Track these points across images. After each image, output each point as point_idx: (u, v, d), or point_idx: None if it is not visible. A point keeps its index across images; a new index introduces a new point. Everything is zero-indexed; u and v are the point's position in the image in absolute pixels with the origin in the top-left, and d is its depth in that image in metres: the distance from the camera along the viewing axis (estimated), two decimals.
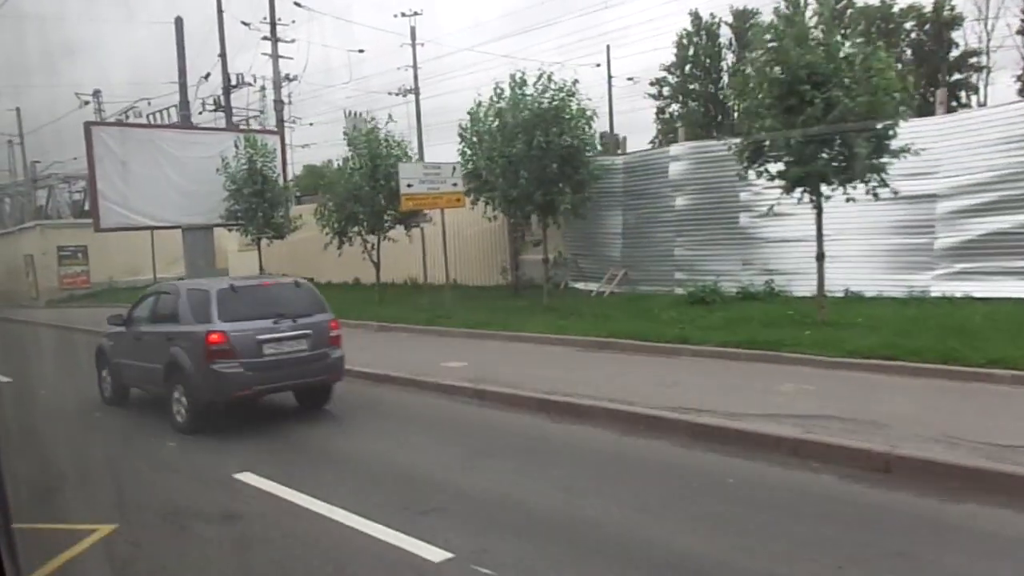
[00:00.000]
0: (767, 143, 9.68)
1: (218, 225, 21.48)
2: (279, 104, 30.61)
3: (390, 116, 16.99)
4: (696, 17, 46.97)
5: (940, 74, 41.89)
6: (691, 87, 49.40)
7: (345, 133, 16.73)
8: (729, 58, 47.41)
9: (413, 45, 41.40)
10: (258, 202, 20.12)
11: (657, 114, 50.28)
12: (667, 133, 45.95)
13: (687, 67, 48.80)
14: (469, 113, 14.95)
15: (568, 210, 13.62)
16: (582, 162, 13.85)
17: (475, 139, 14.81)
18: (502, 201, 13.72)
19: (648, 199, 15.80)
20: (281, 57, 30.44)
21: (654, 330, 10.84)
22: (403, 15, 40.17)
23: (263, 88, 33.12)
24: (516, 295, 16.47)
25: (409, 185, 14.07)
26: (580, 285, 17.67)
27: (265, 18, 29.07)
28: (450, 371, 9.62)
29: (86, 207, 46.68)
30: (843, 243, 12.40)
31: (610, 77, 47.12)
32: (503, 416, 7.83)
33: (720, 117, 47.06)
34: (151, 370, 7.95)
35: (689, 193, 15.35)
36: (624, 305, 13.83)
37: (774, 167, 9.89)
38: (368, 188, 15.95)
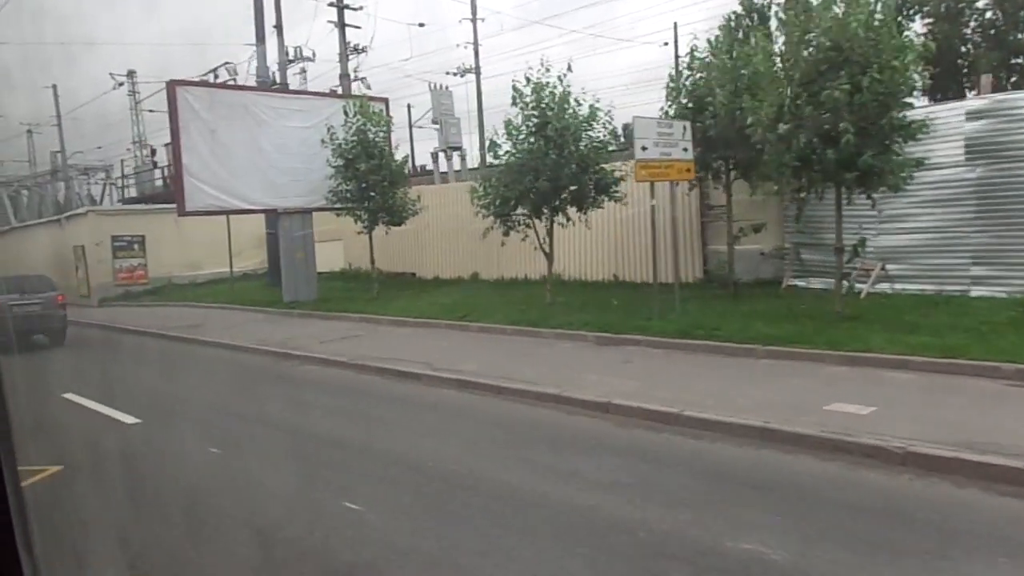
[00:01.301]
0: None
1: (322, 209, 17.94)
2: (345, 79, 26.99)
3: (569, 66, 13.26)
4: None
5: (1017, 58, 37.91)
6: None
7: (515, 90, 13.07)
8: (780, 40, 44.29)
9: (474, 20, 37.80)
10: (376, 180, 16.56)
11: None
12: None
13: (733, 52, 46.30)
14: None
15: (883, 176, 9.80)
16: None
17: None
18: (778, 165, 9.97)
19: (929, 169, 12.02)
20: (347, 26, 26.76)
21: None
22: None
23: (304, 58, 29.40)
24: (746, 296, 12.78)
25: (644, 148, 10.43)
26: (800, 283, 14.01)
27: None
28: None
29: (123, 193, 44.14)
30: None
31: (677, 57, 44.64)
32: None
33: None
34: None
35: (994, 159, 11.66)
36: (938, 313, 10.18)
37: None
38: (555, 156, 12.30)
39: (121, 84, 41.38)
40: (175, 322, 17.01)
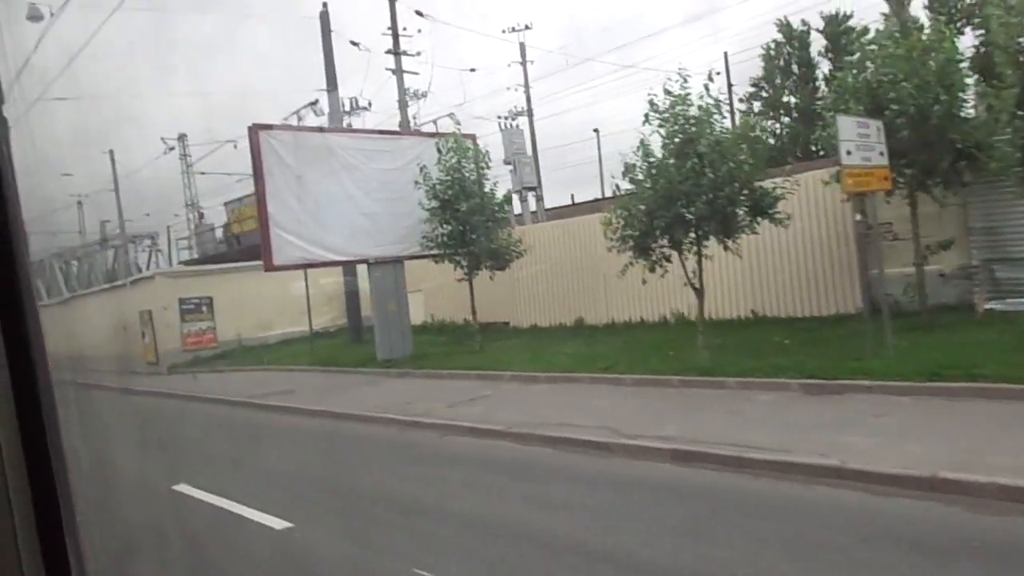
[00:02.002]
0: None
1: (416, 256, 16.41)
2: (405, 126, 25.77)
3: (711, 75, 11.63)
4: (785, 25, 43.23)
5: None
6: (786, 100, 45.51)
7: (651, 105, 11.44)
8: (824, 66, 43.11)
9: (524, 63, 36.74)
10: (479, 220, 14.97)
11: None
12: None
13: (778, 79, 45.09)
14: None
15: None
16: None
17: None
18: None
19: None
20: (406, 72, 25.72)
21: None
22: (513, 30, 35.33)
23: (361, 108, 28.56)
24: (944, 325, 10.76)
25: (849, 152, 8.63)
26: (997, 305, 11.94)
27: (387, 29, 24.33)
28: None
29: (170, 259, 43.60)
30: None
31: (730, 87, 43.83)
32: None
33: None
34: None
35: None
36: None
37: None
38: (712, 176, 10.55)
39: (172, 148, 40.98)
40: (262, 388, 15.45)
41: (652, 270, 11.86)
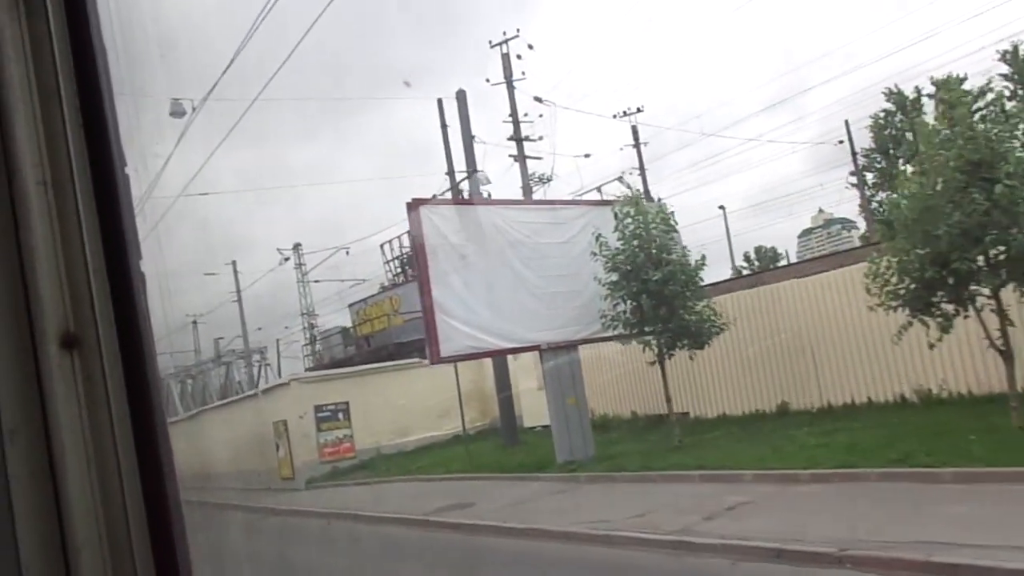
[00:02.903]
0: None
1: (595, 339, 14.33)
2: None
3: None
4: (894, 93, 40.96)
5: None
6: (902, 168, 43.08)
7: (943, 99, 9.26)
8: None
9: (637, 145, 35.49)
10: (674, 291, 12.84)
11: (862, 206, 42.61)
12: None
13: (890, 150, 42.57)
14: None
15: None
16: None
17: None
18: None
19: None
20: (529, 158, 24.63)
21: None
22: (624, 114, 34.28)
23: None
24: None
25: None
26: None
27: (508, 117, 23.44)
28: None
29: (279, 371, 43.10)
30: None
31: (855, 155, 42.14)
32: None
33: None
34: None
35: None
36: None
37: None
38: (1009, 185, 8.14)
39: (287, 259, 41.08)
40: (429, 502, 13.38)
41: (946, 331, 9.26)
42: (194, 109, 14.82)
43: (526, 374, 20.02)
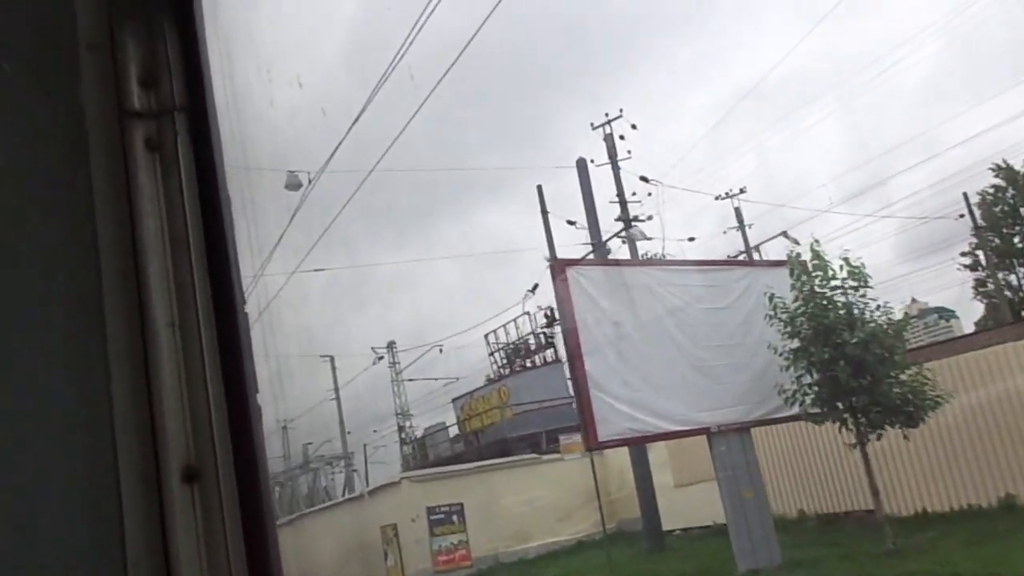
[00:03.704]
0: None
1: (772, 420, 12.13)
2: None
3: None
4: (1003, 168, 38.67)
5: None
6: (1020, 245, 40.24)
7: None
8: None
9: (742, 227, 33.49)
10: (877, 356, 10.68)
11: (977, 288, 39.47)
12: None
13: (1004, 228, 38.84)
14: None
15: None
16: None
17: None
18: None
19: None
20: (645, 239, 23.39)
21: None
22: (726, 195, 32.73)
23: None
24: None
25: None
26: None
27: (615, 197, 22.45)
28: None
29: (367, 479, 41.35)
30: None
31: (976, 228, 40.04)
32: None
33: None
34: None
35: None
36: None
37: None
38: None
39: (381, 358, 40.10)
40: None
41: None
42: (310, 181, 14.02)
43: (659, 468, 17.70)
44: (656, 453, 18.07)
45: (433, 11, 11.55)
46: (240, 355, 0.86)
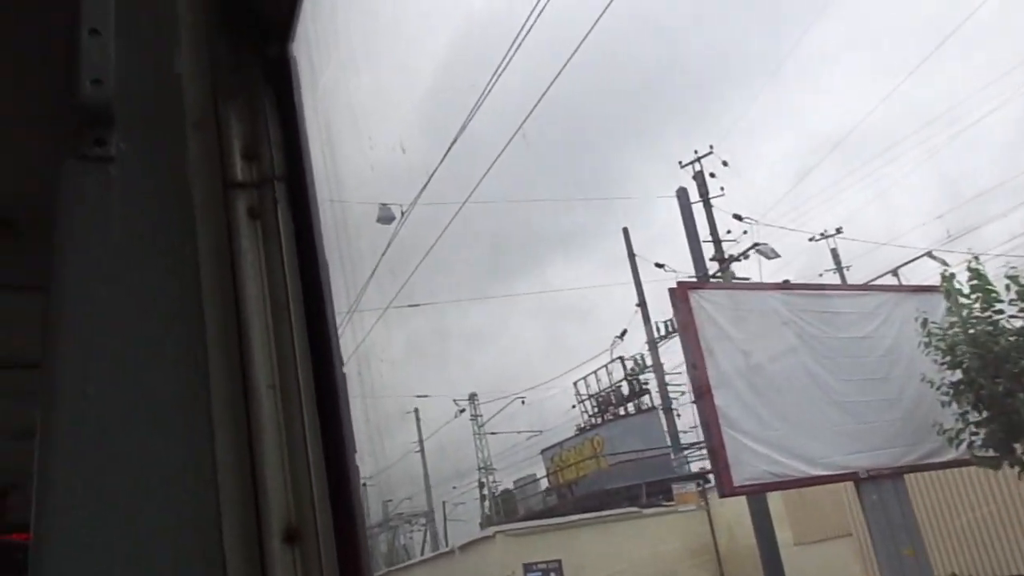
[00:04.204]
0: None
1: (926, 466, 11.17)
2: None
3: None
4: None
5: None
6: None
7: None
8: None
9: (840, 269, 31.14)
10: None
11: None
12: None
13: None
14: None
15: None
16: None
17: None
18: None
19: None
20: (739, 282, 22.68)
21: None
22: (822, 236, 30.64)
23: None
24: None
25: None
26: None
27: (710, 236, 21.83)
28: None
29: (446, 539, 40.39)
30: None
31: None
32: None
33: None
34: None
35: None
36: None
37: None
38: None
39: (463, 410, 40.01)
40: None
41: None
42: (403, 213, 14.77)
43: (777, 523, 16.27)
44: (775, 501, 16.85)
45: (505, 67, 11.93)
46: (339, 416, 0.88)
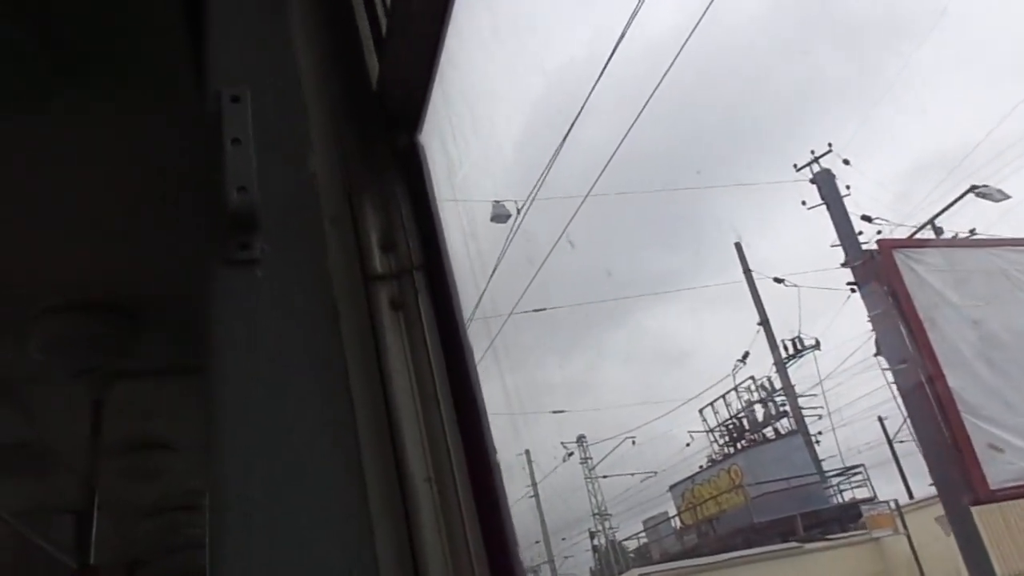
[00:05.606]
0: None
1: None
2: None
3: None
4: None
5: None
6: None
7: None
8: None
9: None
10: None
11: None
12: None
13: None
14: None
15: None
16: None
17: None
18: None
19: None
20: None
21: None
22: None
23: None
24: None
25: None
26: None
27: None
28: None
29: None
30: None
31: None
32: None
33: None
34: None
35: None
36: None
37: None
38: None
39: (571, 454, 38.22)
40: None
41: None
42: (519, 211, 14.75)
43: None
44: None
45: (581, 112, 11.50)
46: (498, 506, 0.87)
